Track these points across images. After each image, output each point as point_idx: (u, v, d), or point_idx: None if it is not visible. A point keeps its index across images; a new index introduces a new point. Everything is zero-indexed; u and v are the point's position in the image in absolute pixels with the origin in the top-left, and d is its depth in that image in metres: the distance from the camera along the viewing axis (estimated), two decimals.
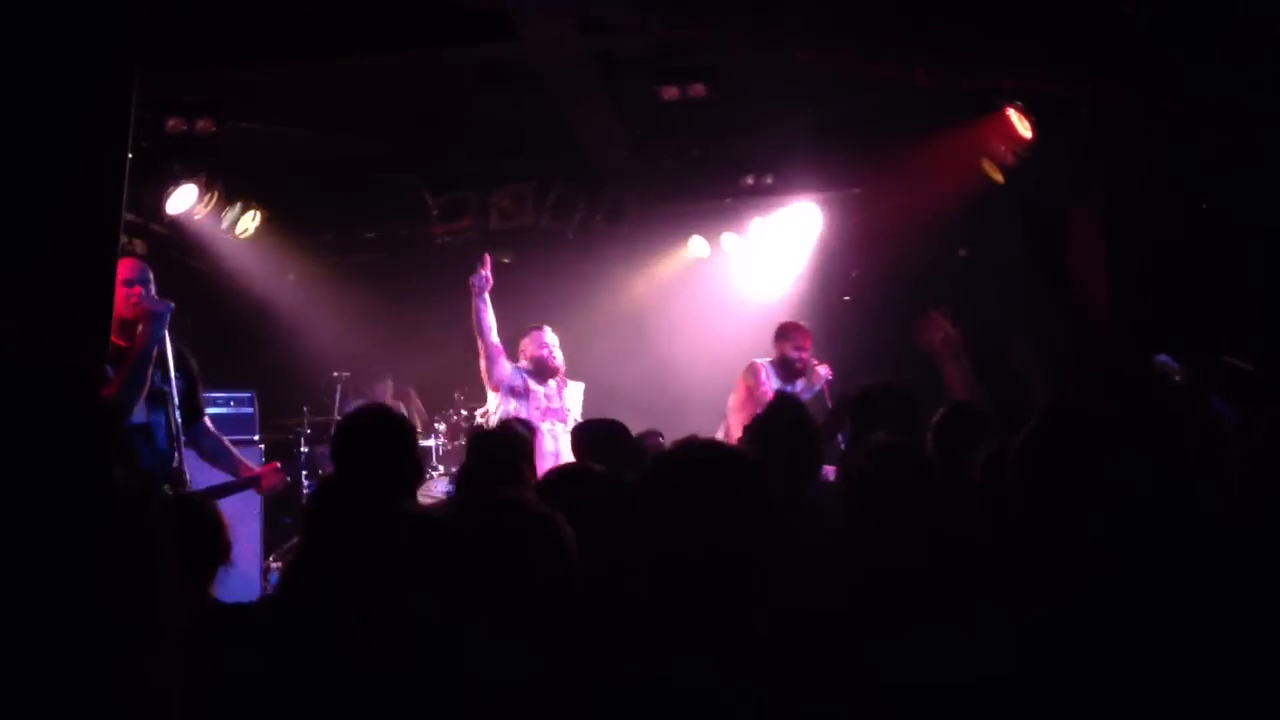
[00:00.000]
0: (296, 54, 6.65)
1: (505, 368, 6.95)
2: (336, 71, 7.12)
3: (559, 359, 7.05)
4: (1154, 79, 6.34)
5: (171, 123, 7.15)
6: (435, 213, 8.86)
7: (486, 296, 6.87)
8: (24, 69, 2.75)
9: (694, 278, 9.82)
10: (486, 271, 6.88)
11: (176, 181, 7.82)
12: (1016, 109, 7.12)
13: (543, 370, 6.99)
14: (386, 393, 9.42)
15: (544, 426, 6.68)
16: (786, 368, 7.18)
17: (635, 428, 5.10)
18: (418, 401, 9.58)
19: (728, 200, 9.26)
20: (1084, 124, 6.89)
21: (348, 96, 7.67)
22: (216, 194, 8.31)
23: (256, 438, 8.13)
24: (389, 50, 6.67)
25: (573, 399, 7.11)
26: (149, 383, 4.69)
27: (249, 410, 8.16)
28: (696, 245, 9.58)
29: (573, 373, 9.27)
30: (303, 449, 8.50)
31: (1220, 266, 6.99)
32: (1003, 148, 7.39)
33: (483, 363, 6.94)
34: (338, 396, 8.88)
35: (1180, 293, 7.11)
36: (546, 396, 6.94)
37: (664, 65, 6.83)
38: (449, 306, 9.79)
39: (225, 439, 5.35)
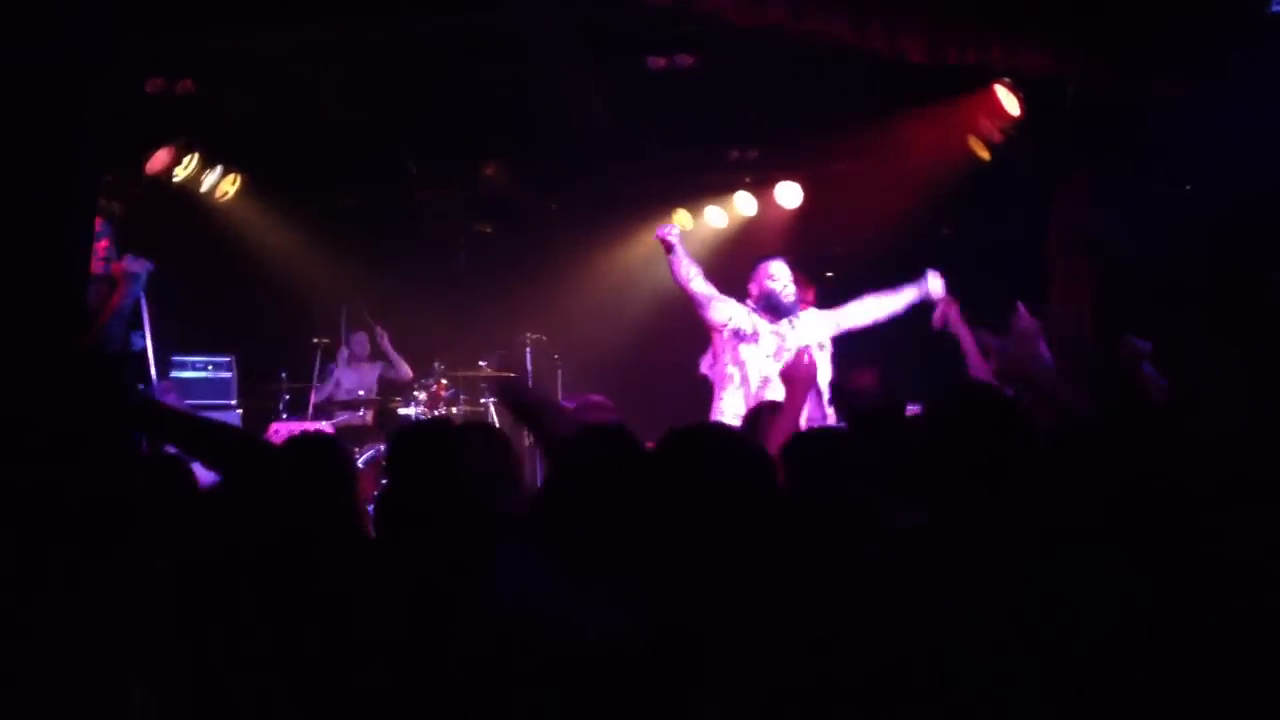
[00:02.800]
0: (281, 18, 6.57)
1: (723, 311, 6.21)
2: (321, 37, 7.04)
3: (791, 293, 6.25)
4: (1143, 59, 6.33)
5: (152, 83, 7.07)
6: (419, 181, 8.79)
7: (678, 249, 6.24)
8: None
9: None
10: (668, 228, 6.28)
11: (156, 143, 7.74)
12: (1005, 85, 7.09)
13: (774, 307, 6.20)
14: (365, 344, 9.30)
15: (773, 371, 6.02)
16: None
17: (618, 399, 5.06)
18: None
19: (713, 174, 9.22)
20: (1071, 102, 6.88)
21: (332, 62, 7.59)
22: (196, 157, 8.24)
23: (234, 402, 8.09)
24: (375, 15, 6.60)
25: (813, 330, 6.30)
26: (121, 344, 4.62)
27: (228, 375, 8.11)
28: (681, 218, 9.54)
29: (555, 344, 9.27)
30: (281, 415, 8.46)
31: (1202, 248, 7.00)
32: (990, 125, 7.37)
33: (696, 311, 6.30)
34: (317, 364, 8.83)
35: (1162, 273, 7.12)
36: (778, 336, 6.19)
37: (651, 35, 6.77)
38: (430, 276, 9.76)
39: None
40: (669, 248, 6.24)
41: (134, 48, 6.60)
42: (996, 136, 7.38)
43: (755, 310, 6.22)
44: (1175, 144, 6.88)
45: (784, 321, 6.20)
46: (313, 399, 8.65)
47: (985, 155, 7.51)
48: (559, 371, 9.11)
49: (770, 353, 6.15)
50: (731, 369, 6.13)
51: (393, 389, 8.94)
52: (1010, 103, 7.13)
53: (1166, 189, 7.27)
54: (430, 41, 7.23)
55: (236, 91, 7.72)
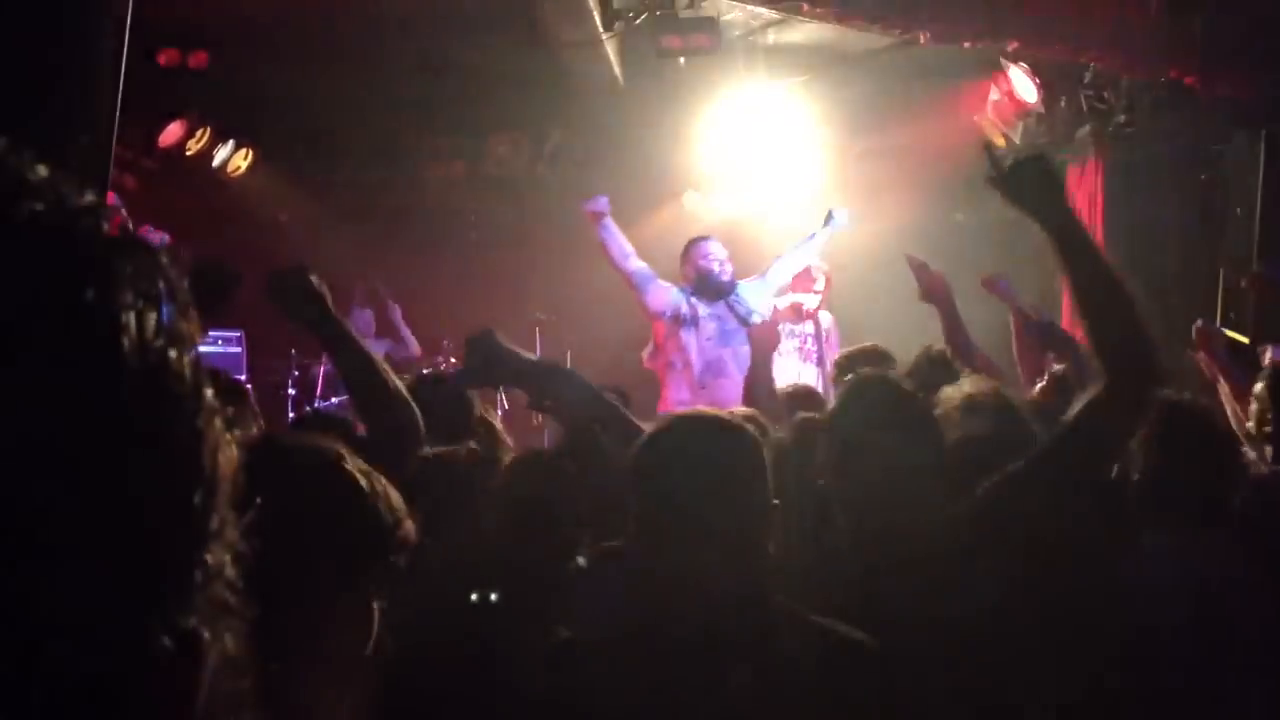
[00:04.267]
0: None
1: (661, 294, 5.97)
2: (335, 13, 7.03)
3: (729, 271, 6.03)
4: (1160, 47, 6.29)
5: (165, 55, 7.06)
6: (428, 157, 8.77)
7: (608, 222, 6.00)
8: None
9: (688, 232, 9.75)
10: (597, 200, 6.09)
11: (168, 116, 7.74)
12: (1022, 72, 7.06)
13: (712, 287, 6.00)
14: (370, 321, 9.27)
15: (725, 353, 5.92)
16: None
17: (628, 379, 5.04)
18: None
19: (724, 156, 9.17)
20: (1087, 88, 6.85)
21: (346, 38, 7.57)
22: (208, 131, 8.23)
23: (244, 378, 8.09)
24: None
25: (754, 299, 6.16)
26: None
27: (237, 349, 8.11)
28: (690, 200, 9.52)
29: (568, 325, 9.25)
30: (289, 390, 8.46)
31: (1214, 236, 6.97)
32: (1006, 111, 7.34)
33: (633, 295, 6.09)
34: None
35: (1172, 261, 7.09)
36: (718, 319, 5.99)
37: (667, 15, 6.74)
38: (439, 252, 9.75)
39: None
40: (598, 219, 5.99)
41: (146, 16, 6.59)
42: (1012, 122, 7.35)
43: (692, 294, 6.00)
44: (1191, 131, 6.85)
45: (722, 303, 6.01)
46: (320, 374, 8.64)
47: (1001, 140, 7.47)
48: (568, 351, 9.09)
49: (711, 335, 5.94)
50: (674, 357, 5.94)
51: (400, 368, 8.90)
52: (1026, 89, 7.10)
53: (1182, 176, 7.24)
54: (445, 17, 7.21)
55: (248, 66, 7.71)
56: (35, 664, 0.52)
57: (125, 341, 0.55)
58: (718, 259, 6.02)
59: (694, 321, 5.92)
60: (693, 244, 6.19)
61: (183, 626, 0.57)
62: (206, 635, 0.59)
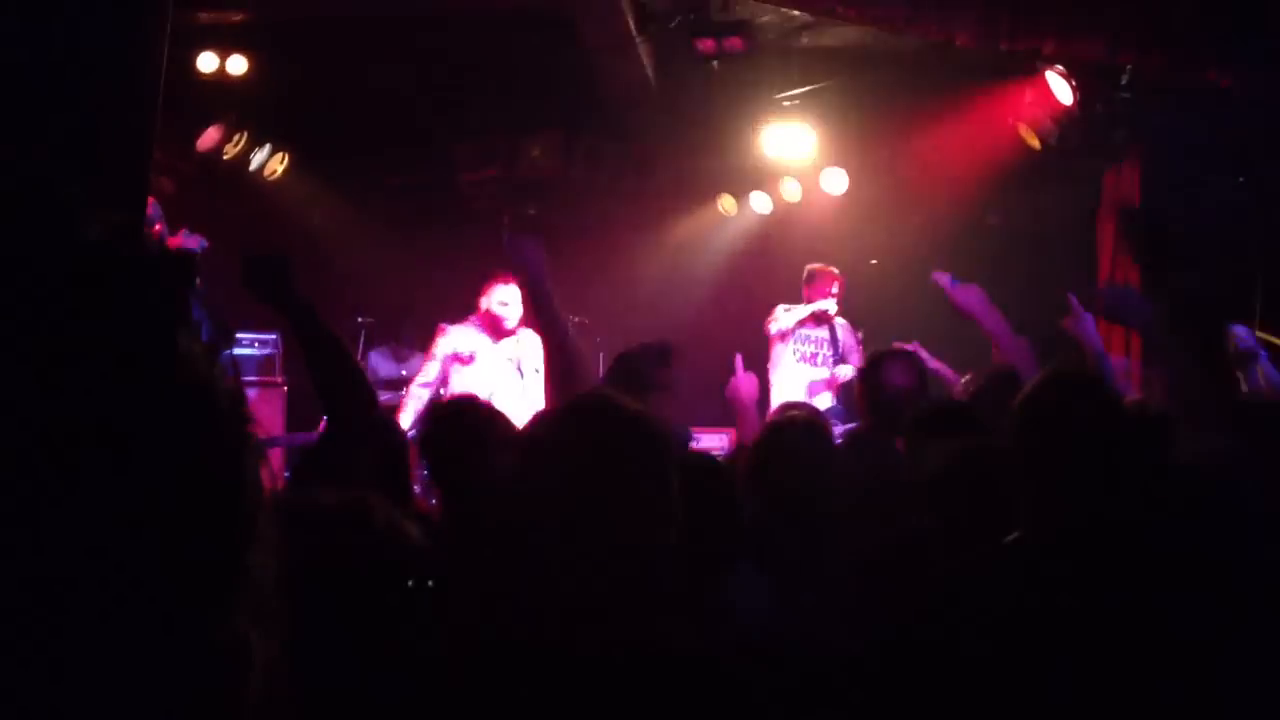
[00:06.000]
0: None
1: (443, 345, 6.47)
2: (369, 16, 7.07)
3: (515, 317, 6.42)
4: (1198, 49, 6.24)
5: (203, 59, 7.13)
6: (463, 160, 8.80)
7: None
8: None
9: (722, 235, 9.76)
10: None
11: (206, 119, 7.81)
12: (1057, 74, 7.00)
13: (496, 329, 6.48)
14: (413, 343, 9.38)
15: (499, 385, 6.28)
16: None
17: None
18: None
19: (759, 158, 9.16)
20: (1124, 91, 6.79)
21: (379, 42, 7.62)
22: (245, 134, 8.30)
23: (280, 379, 8.15)
24: None
25: (530, 350, 6.50)
26: None
27: (272, 352, 8.16)
28: (725, 203, 9.52)
29: (602, 327, 9.27)
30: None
31: (1253, 241, 6.91)
32: (1041, 114, 7.28)
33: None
34: (361, 343, 8.86)
35: (1212, 265, 7.02)
36: (511, 360, 6.46)
37: (700, 18, 6.76)
38: (473, 253, 9.78)
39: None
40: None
41: (186, 20, 6.67)
42: (1047, 124, 7.29)
43: (481, 327, 6.40)
44: (1228, 134, 6.78)
45: (507, 341, 6.38)
46: None
47: (1035, 143, 7.41)
48: (601, 355, 9.10)
49: (490, 373, 6.29)
50: (443, 391, 6.30)
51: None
52: (1062, 92, 7.04)
53: (1219, 180, 7.17)
54: (479, 20, 7.25)
55: (285, 69, 7.77)
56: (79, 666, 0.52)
57: (174, 357, 0.56)
58: (510, 303, 6.40)
59: (471, 359, 6.36)
60: (488, 283, 6.54)
61: (230, 628, 0.58)
62: (253, 637, 0.60)
